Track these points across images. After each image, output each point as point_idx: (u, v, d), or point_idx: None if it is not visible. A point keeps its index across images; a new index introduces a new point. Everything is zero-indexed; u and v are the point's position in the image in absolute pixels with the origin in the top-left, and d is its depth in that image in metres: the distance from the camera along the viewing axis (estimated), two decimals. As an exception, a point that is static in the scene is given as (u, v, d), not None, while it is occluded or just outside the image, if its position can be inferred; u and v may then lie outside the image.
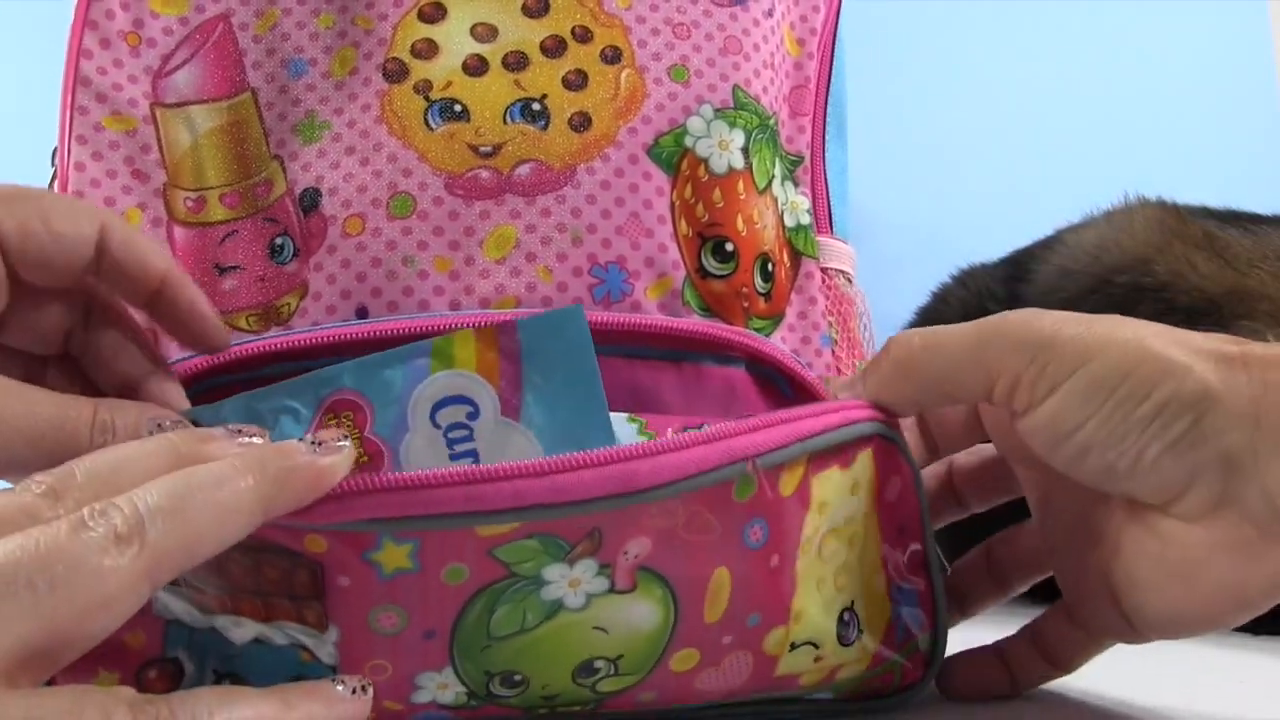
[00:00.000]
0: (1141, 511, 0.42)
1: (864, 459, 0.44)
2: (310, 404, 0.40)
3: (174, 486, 0.31)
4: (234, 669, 0.41)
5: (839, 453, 0.43)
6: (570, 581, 0.39)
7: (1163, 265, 0.68)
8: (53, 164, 0.48)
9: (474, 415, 0.40)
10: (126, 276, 0.40)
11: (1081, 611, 0.48)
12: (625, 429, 0.43)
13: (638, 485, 0.38)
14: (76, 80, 0.47)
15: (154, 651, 0.40)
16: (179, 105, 0.48)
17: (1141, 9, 1.18)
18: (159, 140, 0.47)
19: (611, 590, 0.40)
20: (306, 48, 0.48)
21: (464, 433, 0.40)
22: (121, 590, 0.29)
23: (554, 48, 0.49)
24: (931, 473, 0.51)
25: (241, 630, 0.40)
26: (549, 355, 0.41)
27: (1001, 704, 0.50)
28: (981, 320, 0.43)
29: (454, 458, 0.40)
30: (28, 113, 0.59)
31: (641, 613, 0.41)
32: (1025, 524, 0.51)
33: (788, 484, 0.42)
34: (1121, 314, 0.66)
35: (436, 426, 0.40)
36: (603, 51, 0.49)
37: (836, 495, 0.44)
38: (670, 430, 0.43)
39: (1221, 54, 1.22)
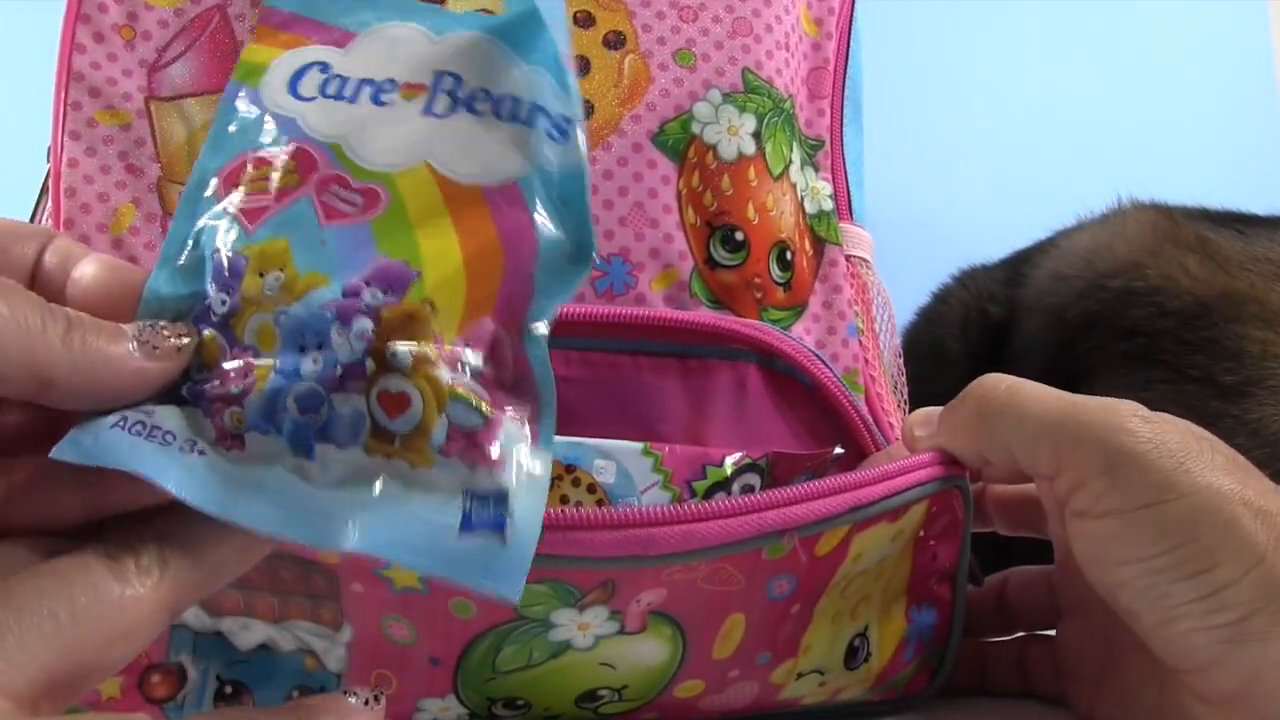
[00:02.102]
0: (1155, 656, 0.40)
1: (917, 509, 0.43)
2: (207, 206, 0.35)
3: (193, 514, 0.30)
4: (237, 675, 0.40)
5: (890, 511, 0.42)
6: (580, 625, 0.39)
7: (1155, 270, 0.67)
8: (48, 161, 0.48)
9: (326, 68, 0.37)
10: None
11: (1070, 680, 0.47)
12: (640, 463, 0.42)
13: (658, 551, 0.37)
14: (69, 75, 0.47)
15: (157, 657, 0.40)
16: (174, 98, 0.47)
17: (1142, 9, 1.18)
18: (153, 134, 0.46)
19: (621, 632, 0.40)
20: (304, 37, 0.47)
21: (336, 82, 0.37)
22: (142, 621, 0.28)
23: None
24: None
25: (249, 634, 0.39)
26: None
27: (1003, 704, 0.49)
28: (1075, 398, 0.41)
29: (352, 100, 0.36)
30: (23, 110, 0.58)
31: (649, 650, 0.41)
32: (1045, 571, 0.50)
33: (825, 545, 0.40)
34: (1114, 319, 0.66)
35: (309, 98, 0.36)
36: (605, 37, 0.48)
37: (877, 545, 0.42)
38: (687, 468, 0.42)
39: (1221, 54, 1.22)
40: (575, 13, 0.48)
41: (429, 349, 0.31)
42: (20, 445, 0.32)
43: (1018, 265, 0.80)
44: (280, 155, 0.35)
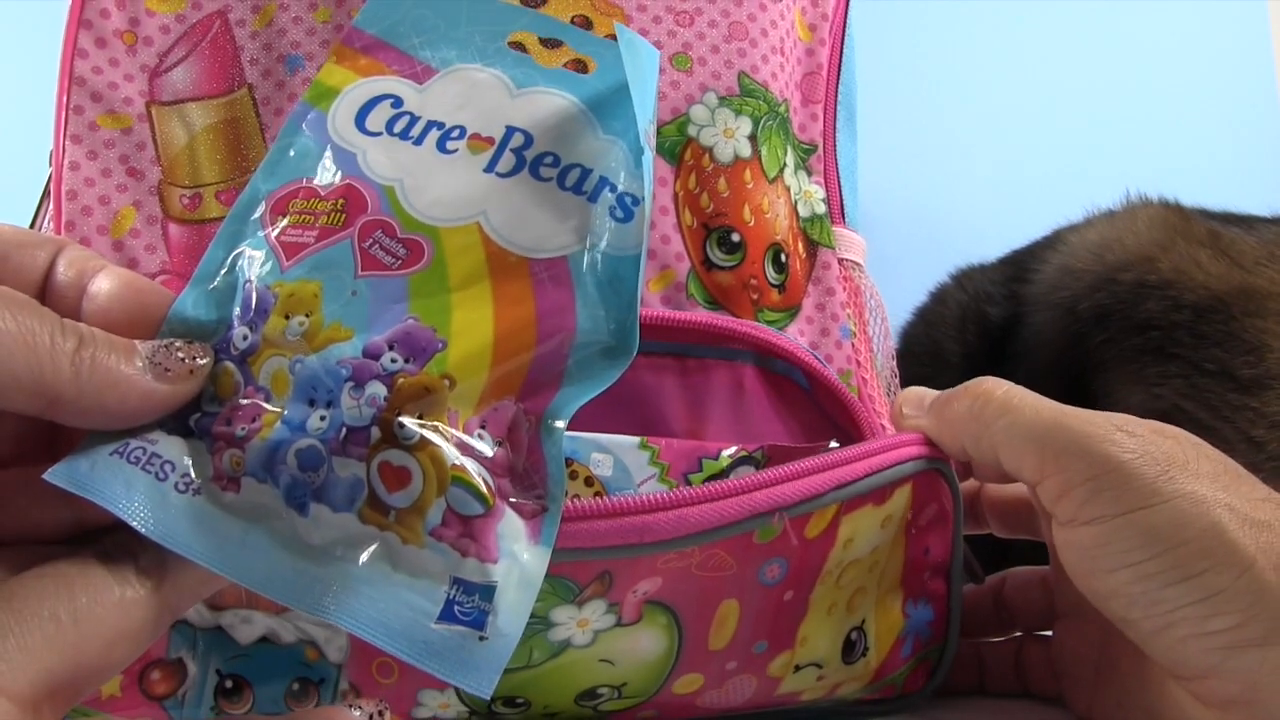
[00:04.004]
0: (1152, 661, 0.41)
1: (902, 493, 0.43)
2: (253, 230, 0.35)
3: None
4: (237, 669, 0.40)
5: (876, 493, 0.42)
6: (579, 622, 0.39)
7: (1167, 263, 0.67)
8: (49, 164, 0.48)
9: (398, 102, 0.37)
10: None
11: (1068, 681, 0.47)
12: (637, 456, 0.42)
13: (654, 538, 0.37)
14: (71, 80, 0.47)
15: (157, 653, 0.40)
16: (175, 103, 0.47)
17: (1142, 9, 1.18)
18: (154, 138, 0.47)
19: (618, 624, 0.40)
20: (303, 42, 0.48)
21: (405, 119, 0.36)
22: (144, 622, 0.28)
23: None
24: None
25: (249, 628, 0.39)
26: (404, 18, 0.38)
27: (1001, 704, 0.49)
28: (1064, 408, 0.41)
29: (417, 141, 0.36)
30: (25, 114, 0.59)
31: (646, 641, 0.41)
32: (1043, 572, 0.50)
33: (814, 527, 0.41)
34: (1127, 312, 0.67)
35: (375, 133, 0.36)
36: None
37: (866, 530, 0.43)
38: (684, 460, 0.42)
39: (1221, 54, 1.22)
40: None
41: (440, 426, 0.30)
42: (16, 453, 0.32)
43: (1021, 263, 0.80)
44: (332, 190, 0.34)
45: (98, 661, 0.28)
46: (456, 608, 0.29)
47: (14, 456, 0.32)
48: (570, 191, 0.34)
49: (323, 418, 0.30)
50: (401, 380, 0.30)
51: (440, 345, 0.31)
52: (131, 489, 0.29)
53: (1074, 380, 0.68)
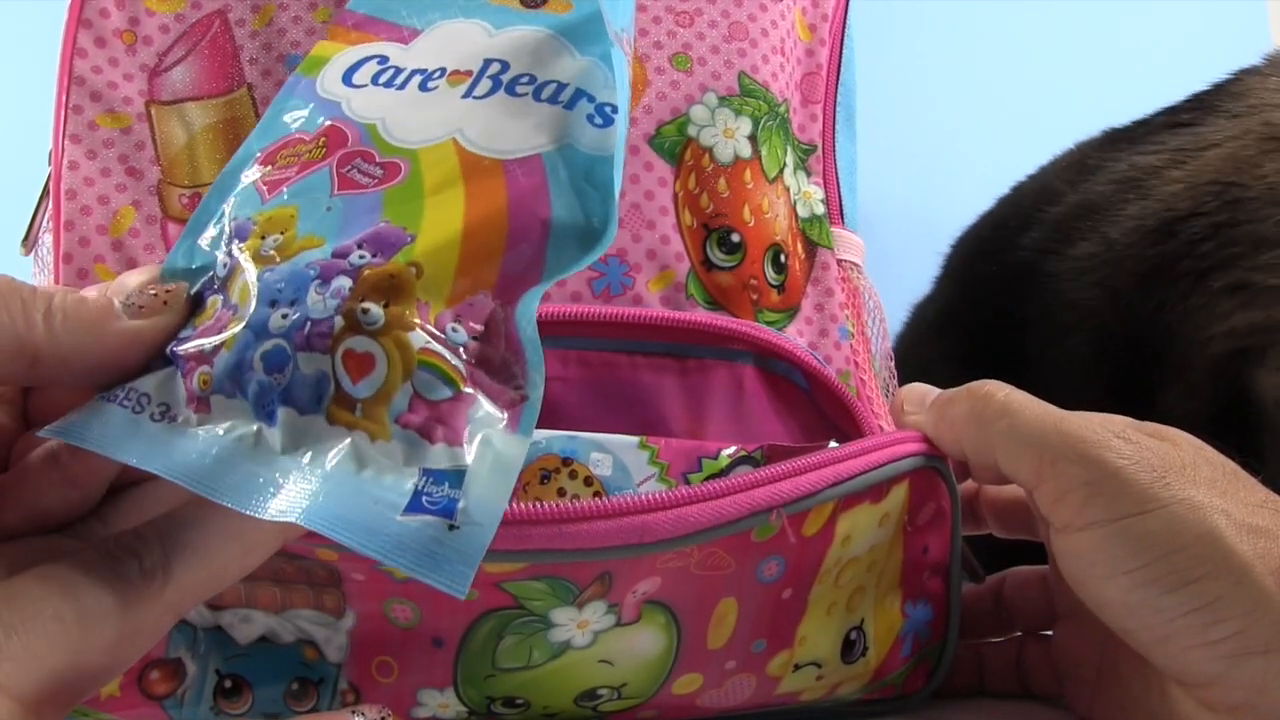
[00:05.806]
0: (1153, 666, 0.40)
1: (899, 490, 0.43)
2: (242, 183, 0.35)
3: (196, 516, 0.30)
4: (236, 669, 0.40)
5: (872, 490, 0.42)
6: (579, 624, 0.39)
7: (1258, 187, 0.62)
8: (49, 164, 0.48)
9: (384, 60, 0.37)
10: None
11: (1069, 683, 0.47)
12: (636, 456, 0.42)
13: (654, 537, 0.37)
14: (70, 79, 0.47)
15: (156, 653, 0.40)
16: (174, 103, 0.47)
17: (1142, 9, 1.18)
18: (154, 138, 0.47)
19: (617, 624, 0.40)
20: (303, 42, 0.48)
21: (390, 72, 0.36)
22: (147, 624, 0.28)
23: None
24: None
25: (249, 627, 0.39)
26: None
27: (1001, 705, 0.49)
28: (1064, 413, 0.41)
29: (400, 87, 0.35)
30: (24, 113, 0.59)
31: (645, 641, 0.41)
32: (1042, 571, 0.50)
33: (812, 524, 0.41)
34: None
35: (360, 85, 0.36)
36: None
37: (864, 528, 0.43)
38: (683, 460, 0.42)
39: (1221, 54, 1.22)
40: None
41: (406, 312, 0.29)
42: (5, 448, 0.32)
43: (1026, 260, 0.78)
44: (315, 133, 0.34)
45: (101, 662, 0.28)
46: (425, 498, 0.27)
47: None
48: (546, 103, 0.33)
49: (285, 315, 0.29)
50: (367, 271, 0.29)
51: (409, 239, 0.30)
52: (106, 424, 0.29)
53: (1132, 351, 0.64)
